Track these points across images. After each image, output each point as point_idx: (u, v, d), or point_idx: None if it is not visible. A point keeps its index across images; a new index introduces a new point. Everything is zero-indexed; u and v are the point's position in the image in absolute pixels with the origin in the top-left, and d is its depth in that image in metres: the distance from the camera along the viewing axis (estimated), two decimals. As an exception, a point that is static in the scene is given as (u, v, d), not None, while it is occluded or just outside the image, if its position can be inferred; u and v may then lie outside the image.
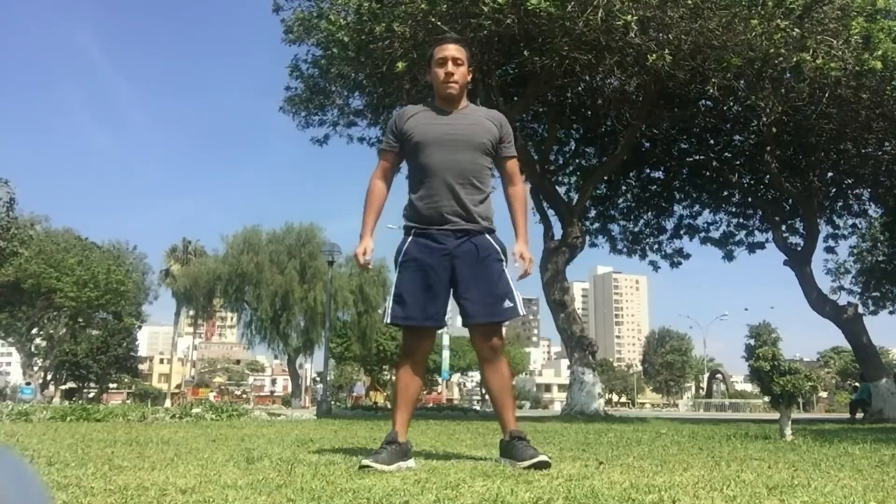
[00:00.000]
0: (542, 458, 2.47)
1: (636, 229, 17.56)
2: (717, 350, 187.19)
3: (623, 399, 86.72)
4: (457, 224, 2.70)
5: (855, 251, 23.46)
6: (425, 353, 2.75)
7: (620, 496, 1.79)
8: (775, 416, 5.49)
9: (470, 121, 2.80)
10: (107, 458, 2.79)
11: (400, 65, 10.11)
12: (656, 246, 17.56)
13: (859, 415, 15.95)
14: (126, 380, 57.93)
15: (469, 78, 2.86)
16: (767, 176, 15.73)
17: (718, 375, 69.59)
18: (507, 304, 2.68)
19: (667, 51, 9.81)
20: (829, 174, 16.28)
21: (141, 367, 63.41)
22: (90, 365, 48.36)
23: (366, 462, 2.39)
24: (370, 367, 48.18)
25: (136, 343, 54.70)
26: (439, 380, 56.80)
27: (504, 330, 2.91)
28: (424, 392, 67.79)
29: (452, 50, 2.80)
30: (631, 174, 16.69)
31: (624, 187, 17.13)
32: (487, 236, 2.76)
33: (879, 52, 9.53)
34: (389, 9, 10.24)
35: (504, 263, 2.76)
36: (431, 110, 2.82)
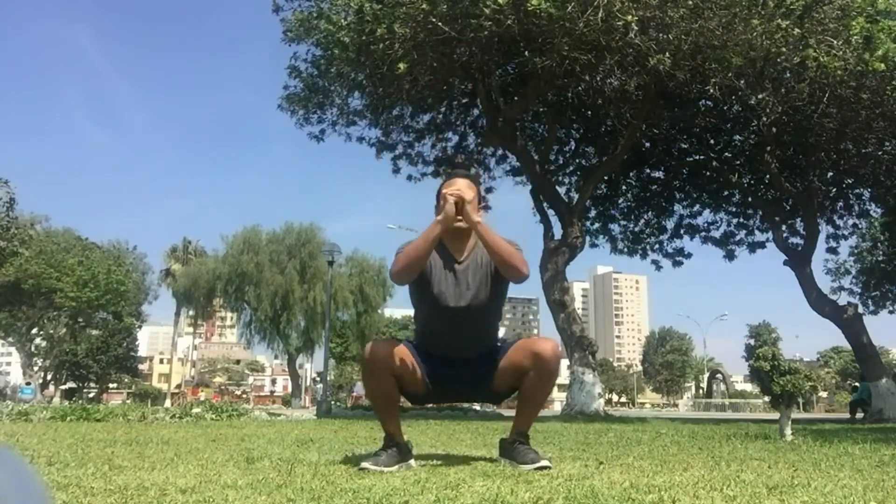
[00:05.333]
0: (543, 462, 2.48)
1: (637, 229, 17.56)
2: (717, 350, 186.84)
3: (623, 399, 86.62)
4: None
5: (855, 251, 23.47)
6: (392, 363, 2.59)
7: (620, 496, 1.79)
8: (775, 416, 5.49)
9: (478, 273, 2.71)
10: (107, 458, 2.80)
11: (401, 66, 10.10)
12: (657, 246, 17.58)
13: (859, 415, 15.94)
14: (126, 380, 57.94)
15: (479, 215, 2.78)
16: (767, 176, 15.72)
17: (718, 375, 69.44)
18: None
19: (667, 51, 9.81)
20: (830, 174, 16.26)
21: (141, 367, 63.37)
22: (90, 365, 48.36)
23: (366, 465, 2.39)
24: (370, 366, 48.05)
25: (136, 343, 54.71)
26: (439, 380, 56.65)
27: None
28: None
29: (461, 185, 2.72)
30: (631, 174, 16.69)
31: (624, 187, 17.13)
32: None
33: (880, 53, 9.52)
34: (390, 9, 10.23)
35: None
36: (442, 258, 2.73)
